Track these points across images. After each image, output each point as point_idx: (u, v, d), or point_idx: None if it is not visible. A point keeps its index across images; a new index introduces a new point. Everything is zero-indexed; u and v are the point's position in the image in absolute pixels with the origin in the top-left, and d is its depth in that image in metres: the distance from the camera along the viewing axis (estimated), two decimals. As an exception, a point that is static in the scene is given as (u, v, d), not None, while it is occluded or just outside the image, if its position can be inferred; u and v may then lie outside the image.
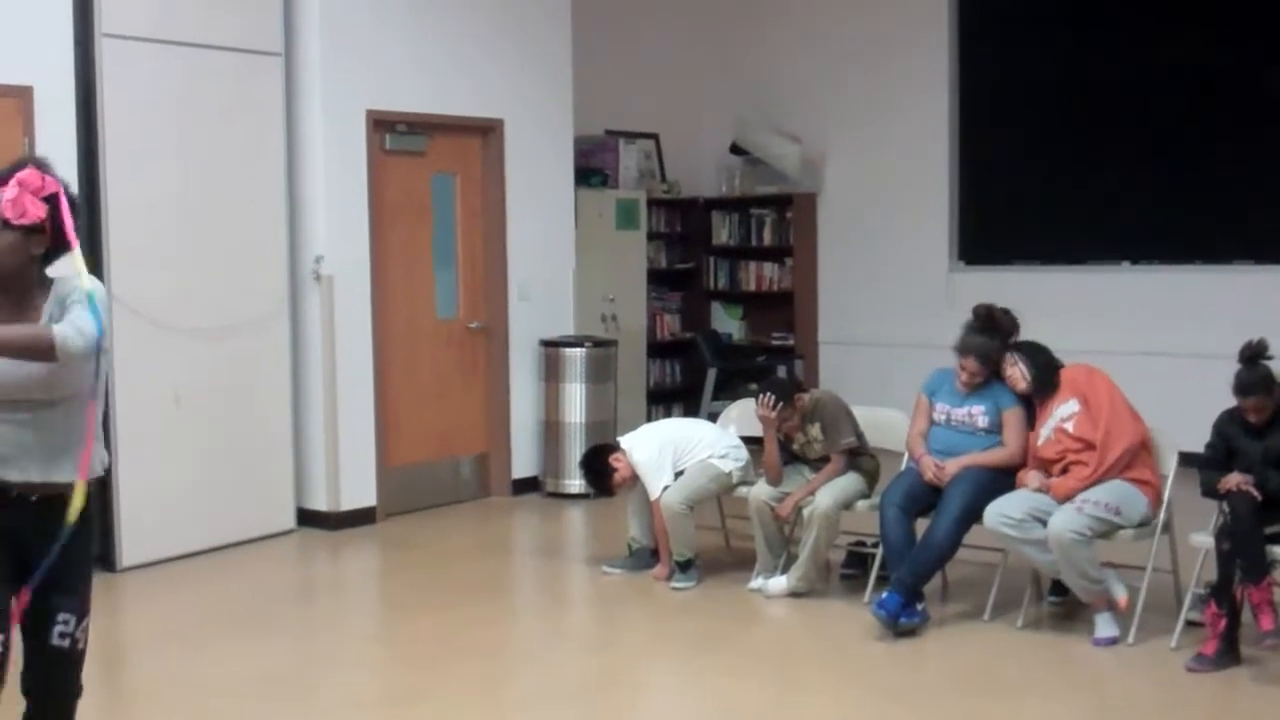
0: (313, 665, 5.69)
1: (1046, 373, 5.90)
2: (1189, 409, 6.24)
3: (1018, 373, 5.92)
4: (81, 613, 3.44)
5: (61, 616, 3.40)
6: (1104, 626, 5.61)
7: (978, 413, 6.05)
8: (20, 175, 3.31)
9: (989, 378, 6.05)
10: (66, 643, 3.41)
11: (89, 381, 3.33)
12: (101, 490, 6.96)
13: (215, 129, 7.34)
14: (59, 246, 3.36)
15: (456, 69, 8.53)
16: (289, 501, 7.83)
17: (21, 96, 6.55)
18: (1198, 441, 5.57)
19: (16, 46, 6.55)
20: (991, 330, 6.05)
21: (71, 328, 3.19)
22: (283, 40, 7.69)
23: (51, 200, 3.31)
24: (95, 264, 6.83)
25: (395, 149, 8.27)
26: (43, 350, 3.16)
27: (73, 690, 3.53)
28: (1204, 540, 5.42)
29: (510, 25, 8.83)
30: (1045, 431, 5.83)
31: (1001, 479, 5.87)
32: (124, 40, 6.88)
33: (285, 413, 7.80)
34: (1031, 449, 5.90)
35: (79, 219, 3.39)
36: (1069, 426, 5.75)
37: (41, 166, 3.37)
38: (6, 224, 3.28)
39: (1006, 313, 6.11)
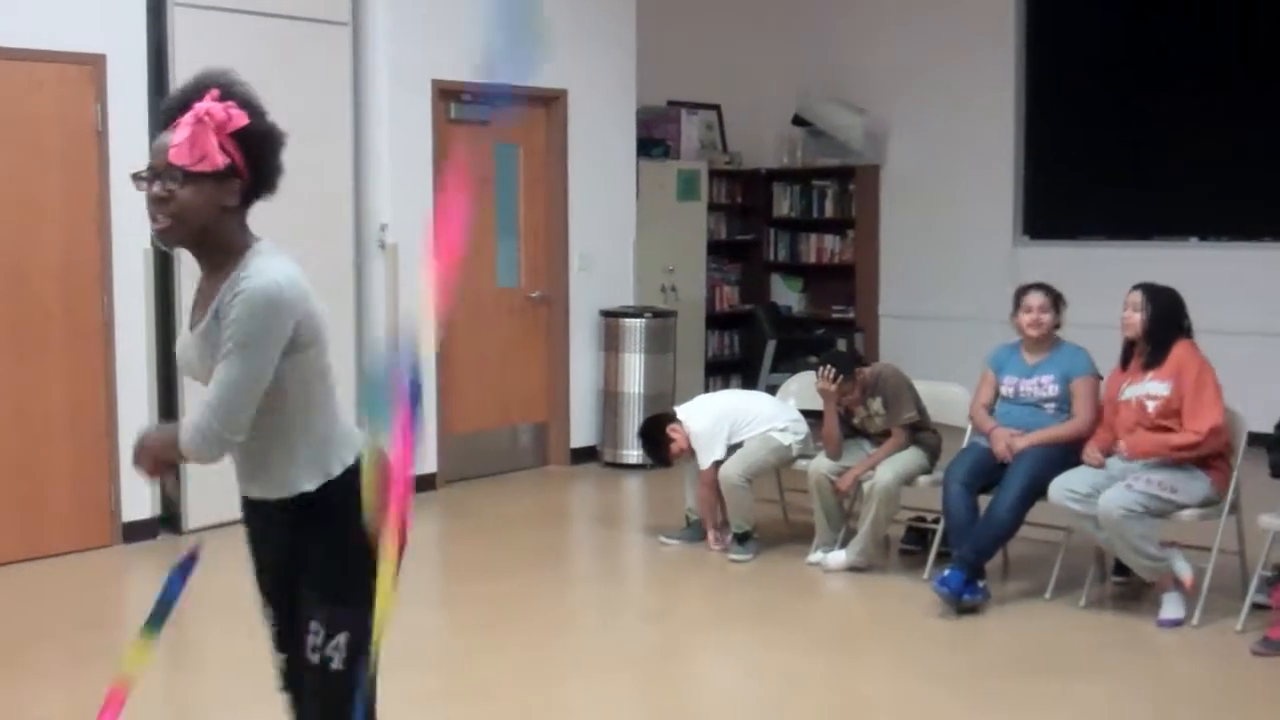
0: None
1: (1165, 330, 5.68)
2: (1258, 388, 6.21)
3: (1139, 320, 5.69)
4: (331, 625, 2.80)
5: (311, 625, 2.81)
6: (1169, 607, 5.56)
7: (1047, 381, 6.02)
8: (201, 108, 2.65)
9: (1051, 341, 6.04)
10: (316, 658, 2.80)
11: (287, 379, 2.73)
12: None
13: (283, 97, 7.23)
14: (258, 189, 2.79)
15: (521, 39, 8.52)
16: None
17: (94, 65, 6.63)
18: (1267, 421, 5.52)
19: (90, 15, 6.62)
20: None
21: (193, 428, 2.66)
22: (350, 10, 7.72)
23: (243, 136, 2.70)
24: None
25: (460, 118, 8.30)
26: (176, 456, 2.73)
27: None
28: (1272, 522, 5.37)
29: (575, -6, 8.84)
30: (1130, 392, 5.71)
31: (1066, 455, 5.83)
32: (195, 9, 6.94)
33: (349, 378, 7.86)
34: (1109, 397, 5.80)
35: (280, 151, 2.81)
36: (1150, 406, 5.63)
37: (227, 90, 2.71)
38: (186, 173, 2.64)
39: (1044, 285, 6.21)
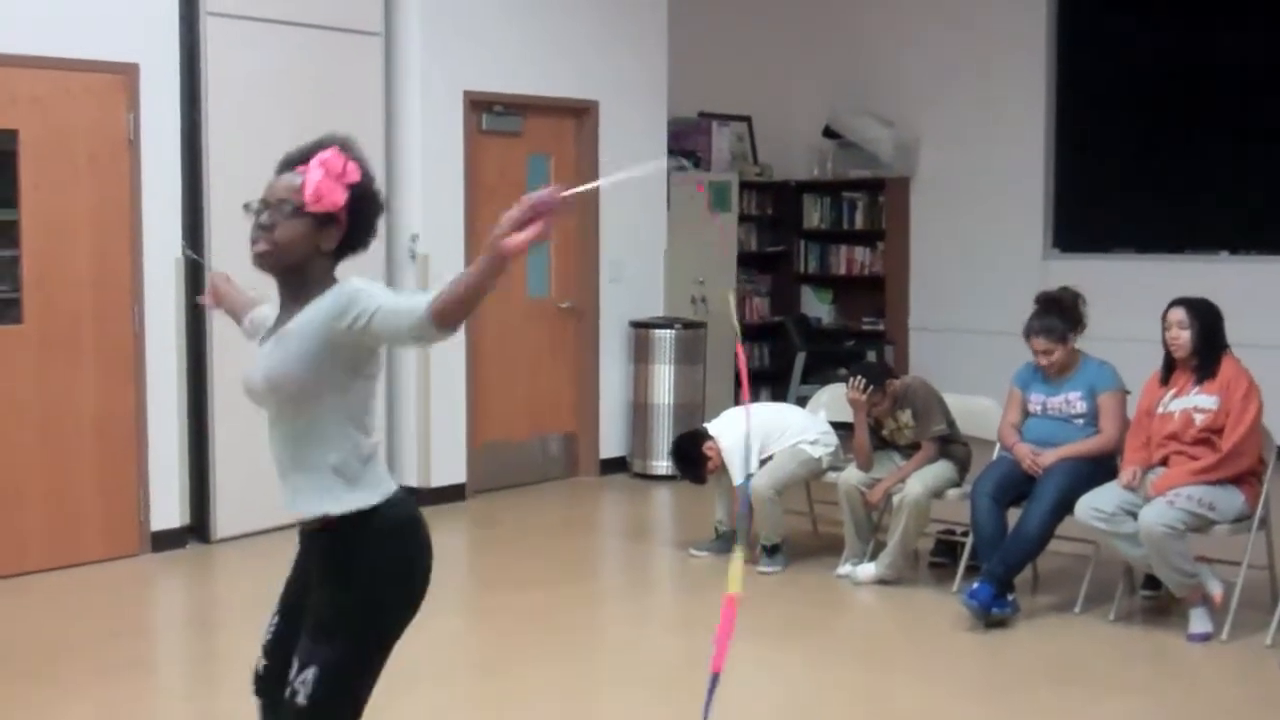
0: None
1: (1213, 345, 5.60)
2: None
3: (1187, 338, 5.58)
4: (304, 658, 2.86)
5: (295, 655, 2.89)
6: (1198, 622, 5.53)
7: (1075, 398, 5.98)
8: (323, 156, 2.89)
9: (1074, 359, 6.00)
10: (289, 689, 2.86)
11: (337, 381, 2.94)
12: (199, 467, 7.12)
13: (315, 107, 7.41)
14: (353, 243, 2.99)
15: (553, 50, 8.56)
16: (381, 477, 7.91)
17: (127, 74, 6.68)
18: (1298, 436, 5.47)
19: (123, 24, 6.67)
20: (1057, 310, 6.00)
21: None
22: (383, 20, 7.77)
23: (354, 190, 2.93)
24: (198, 242, 6.96)
25: (491, 129, 8.33)
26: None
27: None
28: (1303, 537, 5.33)
29: (606, 7, 8.85)
30: (1174, 404, 5.62)
31: (1096, 469, 5.80)
32: (228, 19, 6.99)
33: (379, 389, 7.88)
34: (1145, 408, 5.71)
35: (378, 215, 3.03)
36: (1199, 420, 5.54)
37: (345, 148, 2.95)
38: (298, 209, 2.87)
39: (1065, 289, 6.09)
